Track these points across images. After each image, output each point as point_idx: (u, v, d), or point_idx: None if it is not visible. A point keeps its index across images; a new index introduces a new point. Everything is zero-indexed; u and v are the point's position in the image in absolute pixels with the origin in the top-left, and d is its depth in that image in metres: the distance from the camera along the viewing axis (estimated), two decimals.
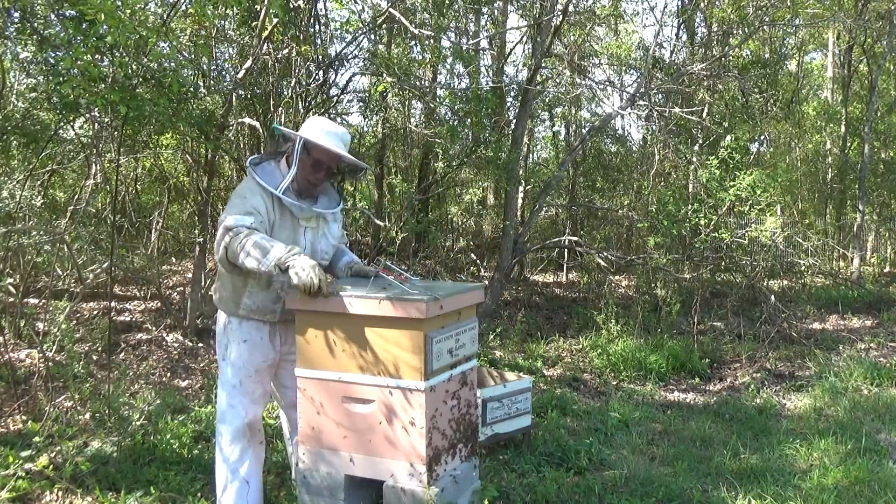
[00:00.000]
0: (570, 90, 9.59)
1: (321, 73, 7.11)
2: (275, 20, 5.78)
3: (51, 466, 3.27)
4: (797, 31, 12.26)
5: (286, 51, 6.46)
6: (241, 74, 5.85)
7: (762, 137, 13.42)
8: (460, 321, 3.15)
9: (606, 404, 5.68)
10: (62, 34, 4.12)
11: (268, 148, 3.39)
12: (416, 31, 6.06)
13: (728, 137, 9.22)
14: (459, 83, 10.02)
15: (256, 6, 6.02)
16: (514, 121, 8.84)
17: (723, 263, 8.65)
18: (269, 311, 3.10)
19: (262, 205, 2.99)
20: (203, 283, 6.24)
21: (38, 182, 6.22)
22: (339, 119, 9.03)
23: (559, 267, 11.99)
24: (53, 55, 4.57)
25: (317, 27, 7.36)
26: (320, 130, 3.08)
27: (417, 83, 9.06)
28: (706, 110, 10.60)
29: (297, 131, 3.12)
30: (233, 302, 3.08)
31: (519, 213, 9.99)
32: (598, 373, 6.72)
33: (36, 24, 4.49)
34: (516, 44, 12.33)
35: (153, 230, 7.67)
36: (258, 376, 3.15)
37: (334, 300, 2.94)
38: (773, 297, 8.35)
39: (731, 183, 8.06)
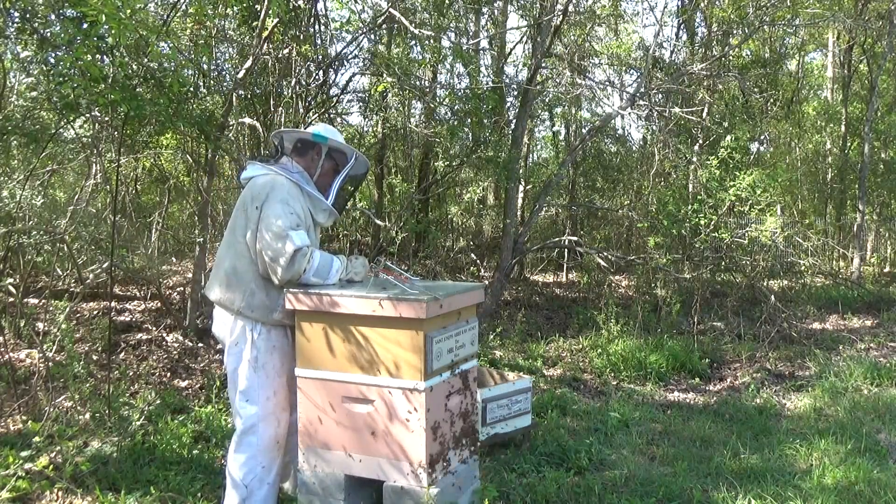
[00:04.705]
0: (570, 90, 9.56)
1: (321, 73, 7.12)
2: (275, 20, 5.78)
3: (51, 466, 3.27)
4: (797, 31, 12.24)
5: (286, 51, 6.46)
6: (241, 74, 5.85)
7: (762, 137, 13.40)
8: (460, 321, 3.16)
9: (606, 404, 5.67)
10: (62, 34, 4.12)
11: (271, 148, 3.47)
12: (416, 31, 6.05)
13: (728, 137, 9.20)
14: (459, 83, 10.03)
15: (256, 6, 6.02)
16: (514, 121, 8.83)
17: (723, 263, 8.64)
18: None
19: (302, 210, 3.09)
20: (203, 284, 6.23)
21: (38, 182, 6.22)
22: (339, 119, 9.04)
23: (559, 267, 11.98)
24: (54, 55, 4.57)
25: (317, 27, 7.36)
26: (349, 147, 3.31)
27: (417, 83, 9.06)
28: (706, 110, 10.59)
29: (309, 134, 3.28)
30: (268, 308, 3.07)
31: (519, 213, 9.99)
32: (598, 373, 6.71)
33: (36, 24, 4.49)
34: (516, 44, 12.36)
35: (153, 230, 7.67)
36: (289, 383, 3.17)
37: (333, 300, 2.94)
38: (773, 297, 8.34)
39: (731, 183, 8.05)
